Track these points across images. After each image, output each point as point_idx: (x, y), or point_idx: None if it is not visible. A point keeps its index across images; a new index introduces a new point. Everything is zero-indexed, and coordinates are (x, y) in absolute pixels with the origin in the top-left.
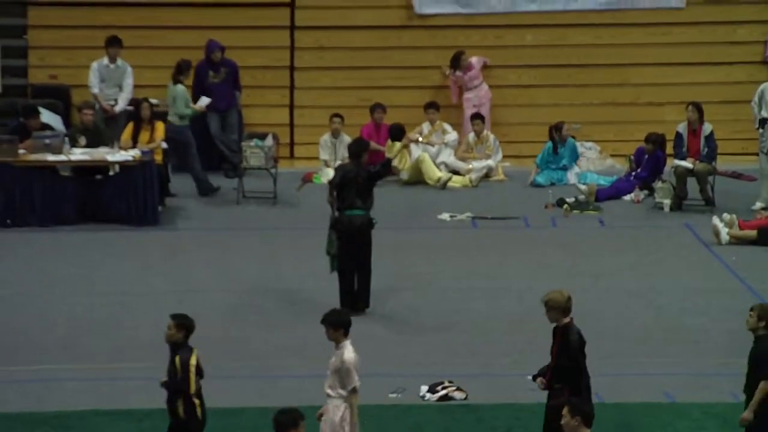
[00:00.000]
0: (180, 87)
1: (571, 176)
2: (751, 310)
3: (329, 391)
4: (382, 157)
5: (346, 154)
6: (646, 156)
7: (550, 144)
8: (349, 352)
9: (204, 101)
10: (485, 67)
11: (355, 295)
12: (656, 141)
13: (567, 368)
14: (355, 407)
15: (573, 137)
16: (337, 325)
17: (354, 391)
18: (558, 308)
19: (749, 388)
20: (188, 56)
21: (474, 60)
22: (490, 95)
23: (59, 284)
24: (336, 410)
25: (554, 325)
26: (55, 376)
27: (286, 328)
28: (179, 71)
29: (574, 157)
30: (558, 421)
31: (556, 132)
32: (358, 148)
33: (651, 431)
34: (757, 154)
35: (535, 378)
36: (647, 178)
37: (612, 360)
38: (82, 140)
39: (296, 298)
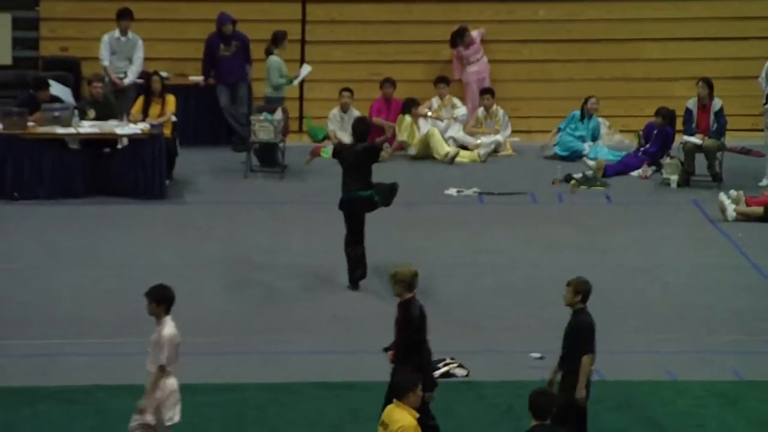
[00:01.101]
0: (273, 58)
1: (586, 147)
2: (568, 284)
3: (150, 368)
4: (391, 133)
5: None
6: (655, 131)
7: (578, 112)
8: (169, 328)
9: (305, 69)
10: (483, 40)
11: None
12: (666, 115)
13: (408, 343)
14: (159, 384)
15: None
16: (159, 300)
17: (162, 369)
18: (403, 282)
19: (565, 362)
20: (200, 29)
21: (475, 34)
22: (489, 68)
23: (66, 257)
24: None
25: (398, 300)
26: (61, 350)
27: (291, 302)
28: (273, 42)
29: (595, 133)
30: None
31: (584, 104)
32: (363, 128)
33: (651, 409)
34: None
35: (386, 350)
36: (656, 154)
37: (616, 337)
38: (91, 113)
39: (303, 272)
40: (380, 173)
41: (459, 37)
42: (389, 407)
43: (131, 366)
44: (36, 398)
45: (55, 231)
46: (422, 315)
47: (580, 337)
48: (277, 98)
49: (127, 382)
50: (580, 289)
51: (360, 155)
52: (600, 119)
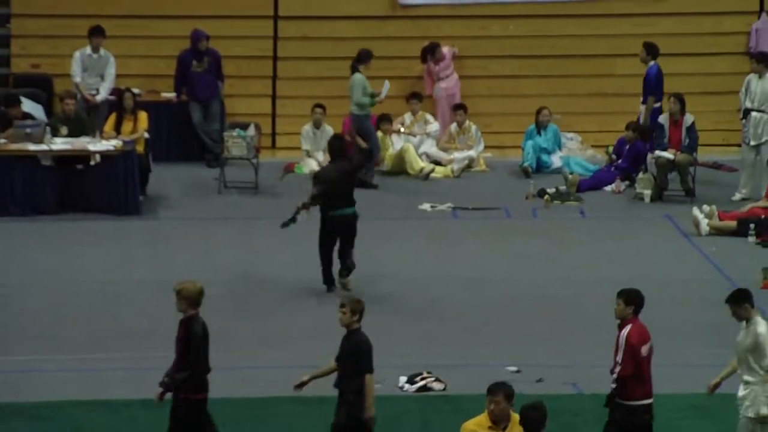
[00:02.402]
0: (357, 76)
1: (556, 160)
2: (342, 306)
3: None
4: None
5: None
6: (627, 146)
7: (533, 125)
8: None
9: (386, 86)
10: (455, 57)
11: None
12: (637, 129)
13: (189, 359)
14: None
15: (554, 124)
16: None
17: None
18: (189, 298)
19: (342, 382)
20: (171, 46)
21: (445, 50)
22: (460, 85)
23: (40, 274)
24: None
25: (182, 316)
26: (35, 366)
27: (266, 317)
28: (358, 60)
29: (556, 142)
30: (184, 414)
31: (536, 115)
32: (340, 145)
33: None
34: (738, 145)
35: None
36: (628, 169)
37: (591, 351)
38: (64, 130)
39: (277, 287)
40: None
41: (429, 53)
42: None
43: (105, 381)
44: (10, 415)
45: (28, 248)
46: (205, 333)
47: (359, 358)
48: (362, 116)
49: (101, 397)
50: (357, 309)
51: (345, 177)
52: (572, 134)
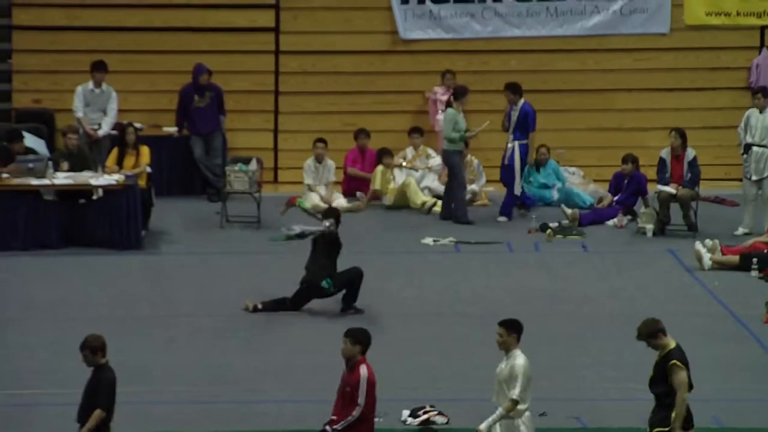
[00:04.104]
0: (449, 110)
1: (555, 193)
2: (83, 348)
3: None
4: (366, 185)
5: (331, 179)
6: (626, 181)
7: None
8: None
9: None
10: None
11: None
12: (635, 161)
13: None
14: None
15: (557, 161)
16: None
17: None
18: None
19: (84, 416)
20: (173, 81)
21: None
22: None
23: (42, 309)
24: None
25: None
26: (37, 401)
27: (267, 352)
28: (454, 96)
29: (557, 177)
30: None
31: (536, 153)
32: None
33: None
34: (740, 180)
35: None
36: (629, 200)
37: (594, 385)
38: (66, 164)
39: (277, 322)
40: (357, 223)
41: (442, 76)
42: None
43: None
44: None
45: (30, 282)
46: None
47: (98, 393)
48: (451, 151)
49: None
50: (96, 346)
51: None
52: (574, 168)
